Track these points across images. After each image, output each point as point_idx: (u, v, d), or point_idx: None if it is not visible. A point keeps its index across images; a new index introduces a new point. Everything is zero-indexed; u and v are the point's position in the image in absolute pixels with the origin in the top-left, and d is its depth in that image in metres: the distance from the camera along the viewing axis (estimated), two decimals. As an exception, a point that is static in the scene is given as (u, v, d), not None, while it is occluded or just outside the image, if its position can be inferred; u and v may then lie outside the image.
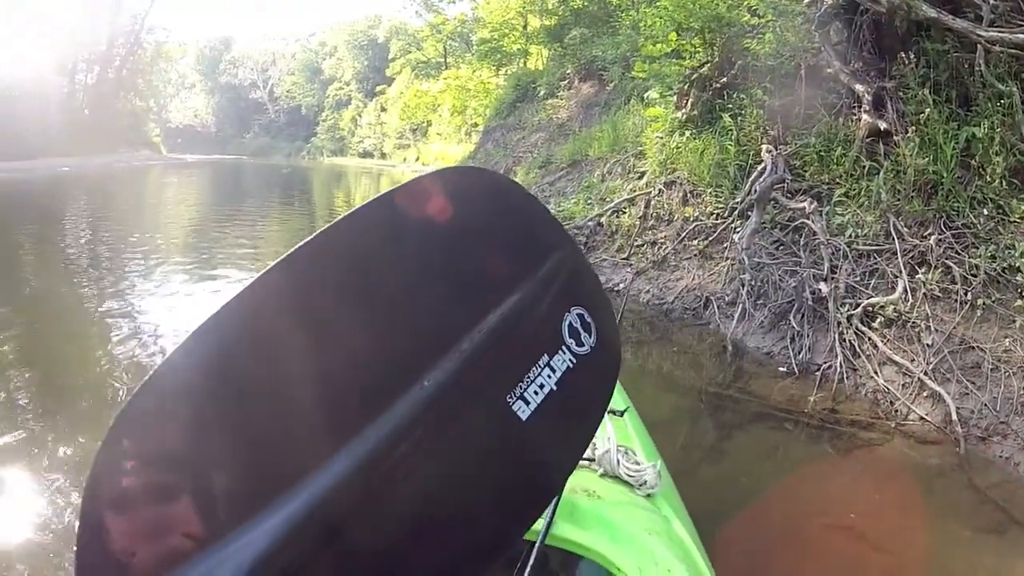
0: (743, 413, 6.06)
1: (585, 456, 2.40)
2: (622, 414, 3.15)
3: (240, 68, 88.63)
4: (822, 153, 7.94)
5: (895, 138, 7.13)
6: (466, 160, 29.69)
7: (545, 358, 1.46)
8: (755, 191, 7.77)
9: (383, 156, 62.04)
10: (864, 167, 7.34)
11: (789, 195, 7.90)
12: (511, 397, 1.39)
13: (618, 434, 2.58)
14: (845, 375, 6.05)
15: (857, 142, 7.46)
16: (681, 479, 4.93)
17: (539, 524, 1.82)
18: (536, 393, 1.42)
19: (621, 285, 9.82)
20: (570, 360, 1.50)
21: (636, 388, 7.03)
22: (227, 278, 10.98)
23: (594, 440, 2.42)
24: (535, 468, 1.50)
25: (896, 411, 5.52)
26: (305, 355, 1.26)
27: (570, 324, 1.55)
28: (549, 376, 1.45)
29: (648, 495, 2.39)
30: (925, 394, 5.46)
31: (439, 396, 1.27)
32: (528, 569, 1.63)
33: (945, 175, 6.51)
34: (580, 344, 1.52)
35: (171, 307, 8.87)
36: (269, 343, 1.22)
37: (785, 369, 6.53)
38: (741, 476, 5.10)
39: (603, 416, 1.81)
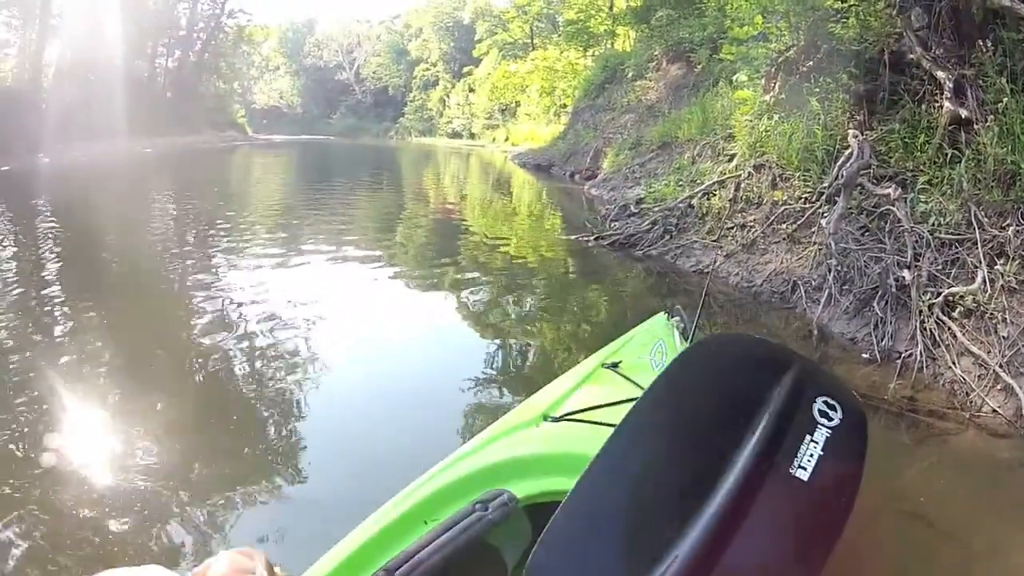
0: None
1: None
2: None
3: (325, 50, 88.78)
4: (906, 140, 7.86)
5: (975, 126, 7.02)
6: (556, 140, 29.63)
7: (807, 437, 2.31)
8: (842, 176, 7.72)
9: (472, 136, 62.31)
10: (947, 155, 7.24)
11: (875, 181, 7.82)
12: (792, 468, 2.17)
13: None
14: (925, 364, 5.99)
15: (940, 129, 7.37)
16: None
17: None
18: (809, 460, 2.23)
19: (711, 267, 9.81)
20: (827, 432, 2.37)
21: None
22: (318, 253, 11.29)
23: None
24: (822, 509, 2.25)
25: (971, 402, 5.46)
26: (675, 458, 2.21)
27: (819, 409, 2.43)
28: (815, 446, 2.29)
29: None
30: (999, 387, 5.39)
31: (745, 477, 2.02)
32: None
33: (1023, 165, 6.39)
34: (830, 419, 2.40)
35: (260, 282, 9.05)
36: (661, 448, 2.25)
37: (868, 356, 6.50)
38: None
39: (865, 457, 2.48)
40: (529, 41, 52.54)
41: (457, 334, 7.56)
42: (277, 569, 0.78)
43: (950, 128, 7.31)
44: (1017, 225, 6.20)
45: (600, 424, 2.62)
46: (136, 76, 35.69)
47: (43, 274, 9.18)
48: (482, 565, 2.33)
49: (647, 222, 11.60)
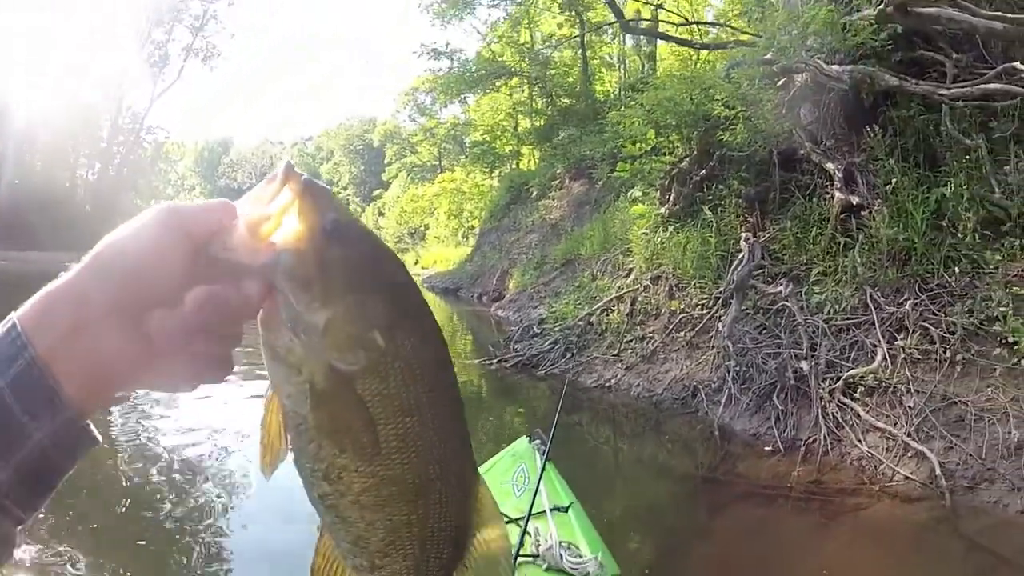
0: (732, 493, 6.02)
1: (529, 553, 2.58)
2: (567, 510, 3.22)
3: (239, 171, 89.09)
4: (798, 235, 7.91)
5: (866, 212, 7.08)
6: (463, 262, 29.79)
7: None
8: (734, 280, 7.70)
9: None
10: (839, 244, 7.29)
11: (769, 280, 7.82)
12: None
13: (561, 530, 2.78)
14: (829, 447, 5.95)
15: (831, 220, 7.43)
16: (674, 560, 4.97)
17: None
18: None
19: (612, 381, 9.75)
20: None
21: (634, 476, 7.13)
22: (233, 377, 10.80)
23: (537, 537, 2.63)
24: None
25: (881, 474, 5.44)
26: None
27: None
28: None
29: None
30: (909, 454, 5.39)
31: None
32: None
33: (917, 240, 6.47)
34: None
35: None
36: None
37: (771, 448, 6.43)
38: (732, 554, 5.01)
39: None
40: (437, 163, 53.09)
41: None
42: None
43: (842, 216, 7.35)
44: (915, 298, 6.22)
45: None
46: (58, 187, 35.18)
47: None
48: None
49: (548, 342, 11.50)
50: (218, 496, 5.40)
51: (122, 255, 0.63)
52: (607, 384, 9.81)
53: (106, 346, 0.61)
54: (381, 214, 63.80)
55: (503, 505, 3.04)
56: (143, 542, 4.62)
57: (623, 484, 6.97)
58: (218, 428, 7.17)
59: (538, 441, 4.03)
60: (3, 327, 0.60)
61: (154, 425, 7.39)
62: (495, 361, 11.70)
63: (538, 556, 2.57)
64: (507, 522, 2.80)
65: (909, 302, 6.19)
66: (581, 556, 2.59)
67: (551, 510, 3.02)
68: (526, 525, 2.63)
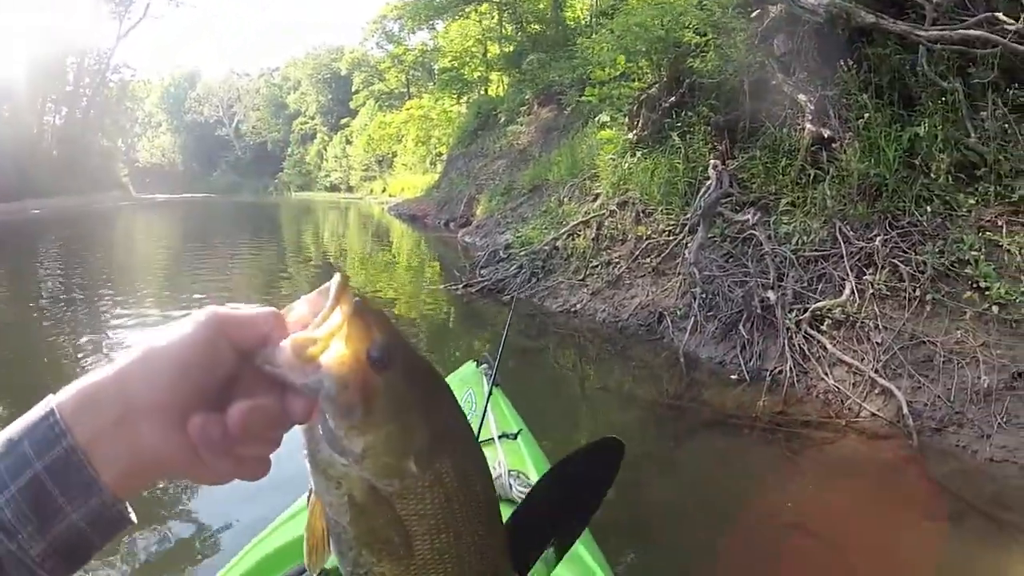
0: (697, 422, 5.98)
1: None
2: (515, 437, 3.09)
3: (205, 105, 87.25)
4: (768, 165, 7.81)
5: (837, 145, 7.00)
6: (431, 189, 29.51)
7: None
8: (701, 206, 7.62)
9: (350, 189, 61.23)
10: (809, 175, 7.20)
11: (737, 208, 7.76)
12: None
13: (511, 458, 2.59)
14: (795, 379, 5.91)
15: (801, 151, 7.32)
16: (638, 488, 4.75)
17: None
18: None
19: (578, 306, 9.72)
20: None
21: (598, 403, 7.03)
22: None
23: None
24: None
25: (848, 409, 5.40)
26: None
27: None
28: None
29: None
30: (876, 391, 5.33)
31: None
32: None
33: (889, 176, 6.38)
34: None
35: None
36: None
37: (736, 377, 6.41)
38: (696, 482, 5.02)
39: None
40: (405, 90, 52.39)
41: None
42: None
43: (812, 149, 7.25)
44: (884, 234, 6.13)
45: None
46: (25, 134, 34.37)
47: None
48: None
49: (514, 267, 11.49)
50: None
51: (170, 356, 0.63)
52: (572, 309, 9.79)
53: (148, 442, 0.62)
54: (348, 142, 62.67)
55: None
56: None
57: (587, 410, 6.97)
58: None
59: (485, 365, 3.97)
60: (39, 411, 0.61)
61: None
62: (461, 286, 11.68)
63: None
64: None
65: (879, 238, 6.10)
66: (530, 485, 2.40)
67: (499, 437, 2.89)
68: None
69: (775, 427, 5.40)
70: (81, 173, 39.80)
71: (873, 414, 5.20)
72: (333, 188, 66.13)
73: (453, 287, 11.81)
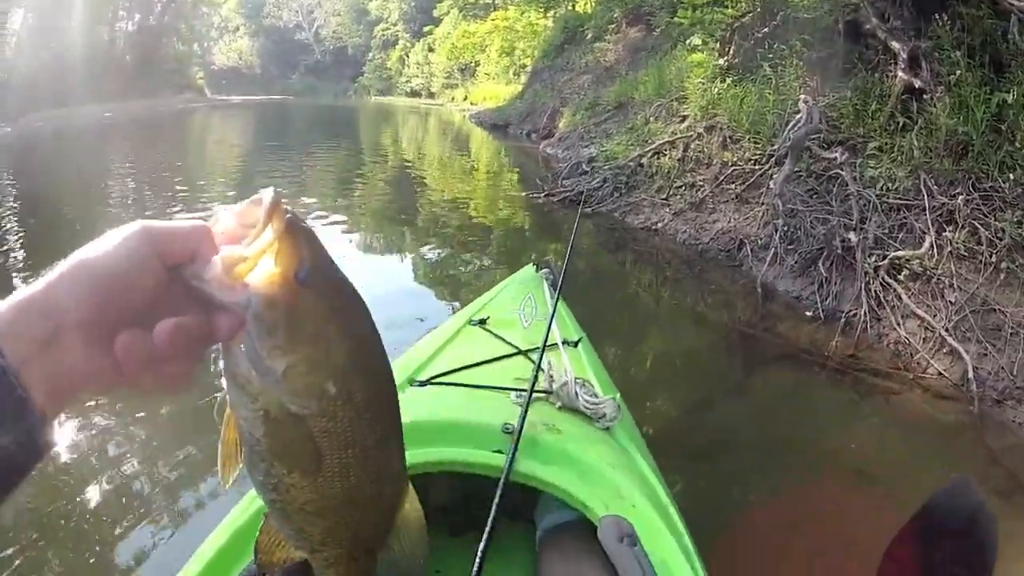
0: (768, 352, 6.05)
1: (542, 388, 2.28)
2: (576, 344, 2.99)
3: (284, 10, 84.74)
4: (858, 107, 7.70)
5: (928, 97, 6.90)
6: (514, 100, 29.03)
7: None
8: (790, 139, 7.58)
9: (431, 96, 59.84)
10: (898, 123, 7.10)
11: (824, 146, 7.70)
12: None
13: (574, 365, 2.45)
14: (869, 324, 5.90)
15: (892, 98, 7.22)
16: (702, 411, 5.04)
17: (501, 460, 1.80)
18: None
19: (659, 224, 9.79)
20: None
21: (670, 321, 7.12)
22: None
23: (551, 372, 2.31)
24: None
25: (916, 364, 5.37)
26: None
27: None
28: None
29: (607, 428, 2.25)
30: (945, 350, 5.30)
31: None
32: (494, 506, 1.62)
33: (975, 137, 6.24)
34: None
35: None
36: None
37: (811, 314, 6.44)
38: (761, 411, 5.09)
39: None
40: (490, 1, 51.39)
41: (412, 295, 7.41)
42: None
43: (903, 97, 7.16)
44: (967, 195, 6.04)
45: (466, 386, 2.39)
46: (97, 41, 34.16)
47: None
48: None
49: (597, 180, 11.48)
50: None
51: (97, 271, 0.63)
52: (654, 227, 9.86)
53: (75, 359, 0.62)
54: (431, 50, 60.86)
55: (513, 336, 2.93)
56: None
57: (659, 327, 7.07)
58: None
59: (546, 270, 3.90)
60: None
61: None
62: (542, 195, 11.73)
63: (551, 392, 2.29)
64: (515, 353, 2.71)
65: (961, 197, 6.01)
66: (597, 396, 2.29)
67: (562, 343, 2.71)
68: (541, 358, 2.37)
69: (845, 369, 5.43)
70: (154, 76, 39.24)
71: (940, 373, 5.18)
72: (414, 94, 64.69)
73: (534, 195, 11.90)
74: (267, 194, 0.67)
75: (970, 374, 4.93)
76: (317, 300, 0.71)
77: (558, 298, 3.02)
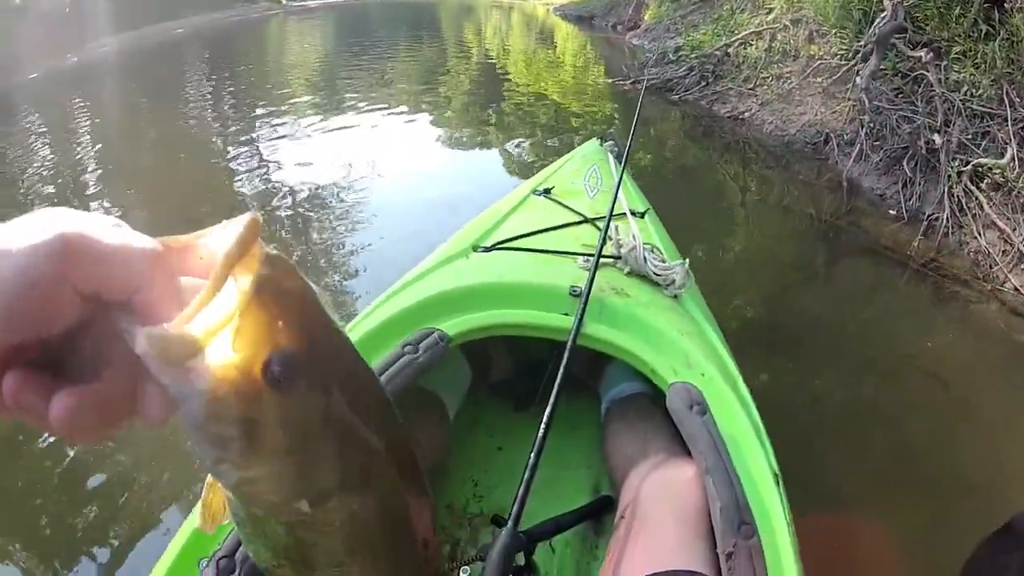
0: (851, 246, 6.18)
1: (610, 254, 2.17)
2: (643, 215, 2.86)
3: None
4: (942, 10, 7.60)
5: (1009, 6, 6.79)
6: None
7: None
8: (876, 34, 7.64)
9: None
10: (981, 30, 7.03)
11: (910, 46, 7.69)
12: None
13: (642, 233, 2.30)
14: (951, 230, 5.93)
15: (975, 4, 7.12)
16: (782, 297, 5.19)
17: (569, 322, 1.75)
18: None
19: (746, 114, 9.87)
20: None
21: (755, 209, 7.28)
22: (362, 112, 11.14)
23: (619, 237, 2.19)
24: None
25: (994, 276, 5.33)
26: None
27: None
28: None
29: (675, 296, 2.17)
30: (1022, 266, 5.25)
31: None
32: (561, 369, 1.56)
33: None
34: None
35: (304, 146, 9.16)
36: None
37: (895, 213, 6.52)
38: (841, 302, 5.21)
39: None
40: None
41: (499, 187, 7.24)
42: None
43: (985, 5, 7.07)
44: None
45: (531, 251, 2.30)
46: None
47: (80, 160, 9.05)
48: (420, 412, 1.96)
49: (684, 68, 11.52)
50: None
51: None
52: (740, 116, 9.94)
53: None
54: None
55: (575, 204, 2.84)
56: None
57: (744, 214, 7.26)
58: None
59: (611, 143, 3.77)
60: None
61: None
62: (629, 82, 11.80)
63: (620, 258, 2.18)
64: (581, 221, 2.61)
65: None
66: (665, 262, 2.19)
67: (629, 212, 2.57)
68: (608, 224, 2.20)
69: (925, 272, 5.51)
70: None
71: (1016, 289, 5.16)
72: None
73: (620, 82, 12.00)
74: (238, 226, 0.46)
75: (1045, 296, 4.88)
76: (297, 409, 0.51)
77: (624, 167, 2.80)
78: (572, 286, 1.87)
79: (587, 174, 3.28)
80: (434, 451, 1.98)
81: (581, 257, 2.16)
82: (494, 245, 2.36)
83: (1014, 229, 5.55)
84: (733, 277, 5.58)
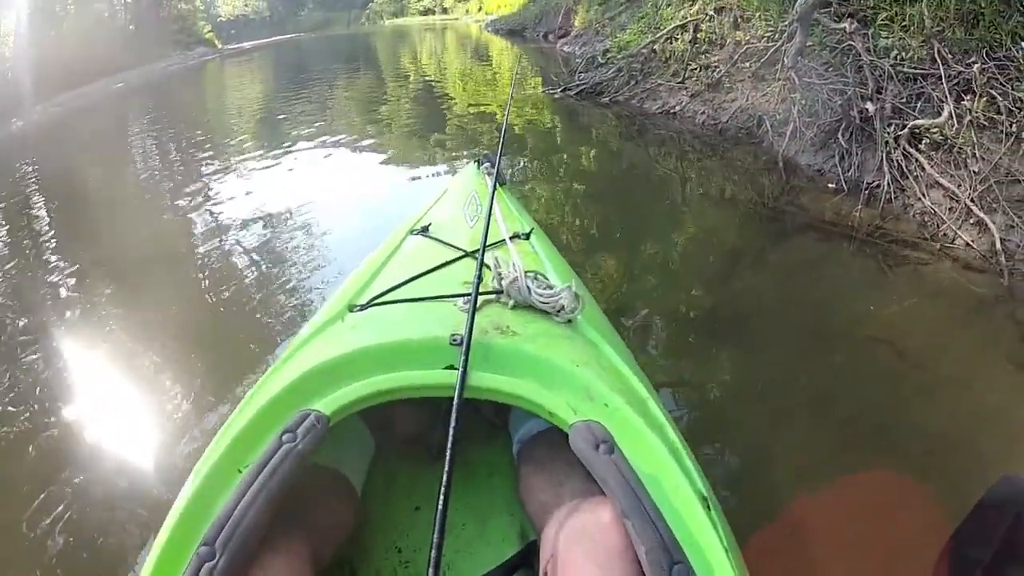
0: (793, 225, 5.93)
1: (490, 289, 2.01)
2: (527, 236, 2.71)
3: None
4: None
5: None
6: (527, 3, 28.24)
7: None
8: (797, 12, 7.38)
9: (444, 11, 57.90)
10: None
11: (835, 18, 7.39)
12: None
13: (525, 259, 2.17)
14: (893, 195, 5.74)
15: None
16: (728, 282, 4.98)
17: (453, 376, 1.55)
18: None
19: (677, 108, 9.69)
20: None
21: (697, 201, 7.03)
22: (304, 147, 10.69)
23: (499, 269, 2.01)
24: None
25: (943, 234, 5.19)
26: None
27: None
28: None
29: (568, 321, 1.97)
30: (971, 221, 5.08)
31: None
32: (451, 430, 1.38)
33: (985, 6, 5.91)
34: None
35: (247, 185, 8.72)
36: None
37: (834, 186, 6.32)
38: (787, 281, 5.00)
39: None
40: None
41: None
42: None
43: None
44: (983, 63, 5.74)
45: (409, 301, 2.09)
46: (97, 18, 32.68)
47: (34, 224, 8.36)
48: (321, 492, 1.80)
49: (612, 70, 11.40)
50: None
51: None
52: (672, 111, 9.79)
53: None
54: None
55: (458, 238, 2.65)
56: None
57: (687, 207, 6.97)
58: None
59: (487, 164, 3.58)
60: None
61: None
62: (559, 90, 11.73)
63: (502, 292, 2.00)
64: (461, 257, 2.42)
65: (976, 65, 5.69)
66: (551, 288, 2.00)
67: (510, 238, 2.37)
68: (482, 257, 2.06)
69: (871, 240, 5.30)
70: (162, 38, 36.98)
71: (967, 244, 4.98)
72: (427, 12, 61.97)
73: (551, 91, 11.91)
74: None
75: (998, 245, 4.73)
76: None
77: (494, 189, 2.69)
78: (452, 335, 1.69)
79: (466, 202, 3.13)
80: (342, 527, 1.82)
81: (461, 299, 1.94)
82: (369, 302, 2.15)
83: (959, 185, 5.32)
84: (679, 271, 5.32)
